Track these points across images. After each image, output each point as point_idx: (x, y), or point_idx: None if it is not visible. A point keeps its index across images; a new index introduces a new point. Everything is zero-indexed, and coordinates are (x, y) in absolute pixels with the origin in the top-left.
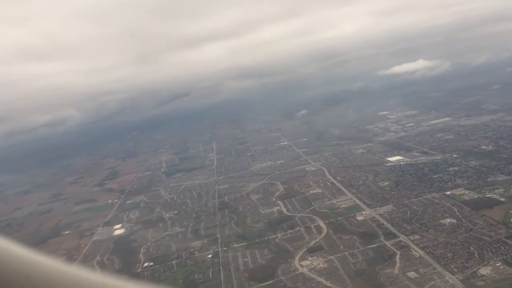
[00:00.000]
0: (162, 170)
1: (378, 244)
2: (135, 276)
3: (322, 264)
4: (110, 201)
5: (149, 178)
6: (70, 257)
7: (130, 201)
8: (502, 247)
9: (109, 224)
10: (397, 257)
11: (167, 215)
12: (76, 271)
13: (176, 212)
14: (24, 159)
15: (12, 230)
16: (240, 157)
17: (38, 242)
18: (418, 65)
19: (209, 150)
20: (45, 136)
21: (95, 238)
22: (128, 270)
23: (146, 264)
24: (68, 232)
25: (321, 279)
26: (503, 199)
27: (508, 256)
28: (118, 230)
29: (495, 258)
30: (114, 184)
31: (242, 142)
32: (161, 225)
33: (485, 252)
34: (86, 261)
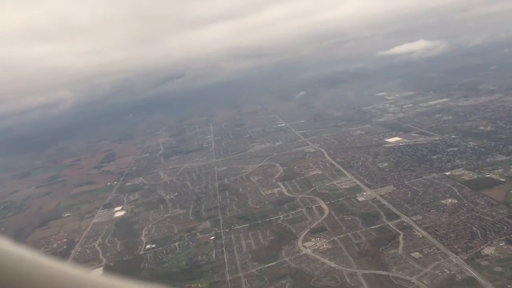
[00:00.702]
0: (160, 152)
1: (380, 225)
2: (138, 258)
3: (326, 245)
4: (109, 183)
5: (147, 160)
6: (71, 240)
7: (129, 183)
8: (504, 227)
9: (109, 206)
10: (400, 237)
11: (167, 197)
12: (76, 271)
13: (176, 194)
14: (18, 141)
15: (11, 212)
16: (237, 139)
17: (38, 224)
18: (419, 45)
19: (206, 132)
20: (39, 118)
21: (95, 220)
22: (130, 252)
23: (148, 246)
24: (68, 214)
25: (325, 260)
26: (502, 179)
27: (511, 236)
28: (119, 212)
29: (498, 238)
30: (112, 166)
31: (239, 124)
32: (161, 207)
33: (488, 232)
34: (88, 243)
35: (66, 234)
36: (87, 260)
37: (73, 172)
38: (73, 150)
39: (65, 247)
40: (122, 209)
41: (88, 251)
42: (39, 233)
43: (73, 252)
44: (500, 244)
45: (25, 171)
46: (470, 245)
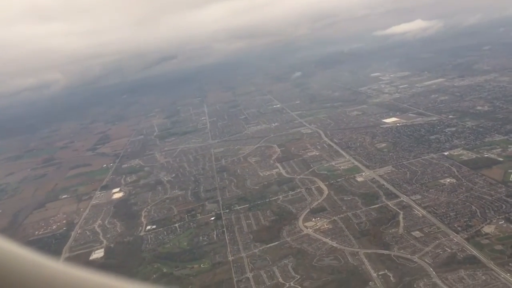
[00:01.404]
0: (155, 134)
1: (380, 205)
2: (139, 239)
3: (327, 225)
4: (105, 165)
5: (142, 142)
6: (70, 221)
7: (126, 165)
8: (503, 205)
9: (107, 188)
10: (400, 217)
11: (165, 178)
12: (76, 271)
13: (174, 175)
14: (10, 124)
15: (7, 195)
16: (233, 120)
17: (36, 206)
18: (416, 25)
19: (201, 114)
20: (30, 100)
21: (94, 202)
22: (131, 233)
23: (148, 227)
24: (65, 196)
25: (327, 240)
26: (501, 159)
27: (510, 214)
28: (117, 194)
29: (497, 217)
30: (106, 148)
31: (233, 105)
32: (160, 188)
33: (487, 211)
34: (87, 224)
35: (64, 215)
36: (87, 241)
37: (68, 154)
38: (66, 132)
39: (64, 228)
40: (120, 190)
41: (88, 233)
42: (37, 215)
43: (73, 233)
44: (500, 223)
45: (19, 153)
46: (469, 223)
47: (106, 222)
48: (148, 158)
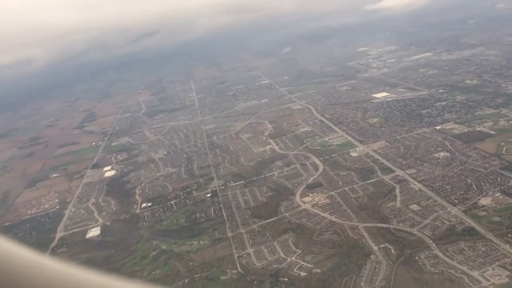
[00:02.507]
0: (142, 111)
1: (376, 179)
2: (135, 216)
3: (324, 200)
4: (93, 143)
5: (130, 119)
6: (63, 200)
7: (115, 143)
8: (498, 178)
9: (98, 166)
10: (397, 191)
11: (157, 156)
12: (76, 271)
13: (165, 153)
14: None
15: None
16: (221, 96)
17: (26, 185)
18: None
19: (188, 90)
20: (9, 78)
21: (86, 180)
22: (126, 211)
23: (144, 204)
24: (56, 175)
25: (325, 214)
26: (493, 132)
27: (506, 186)
28: (109, 172)
29: (493, 189)
30: (94, 126)
31: (221, 81)
32: (152, 166)
33: (482, 184)
34: (81, 203)
35: (56, 194)
36: (82, 220)
37: (54, 132)
38: (50, 110)
39: (57, 207)
40: (112, 169)
41: (82, 211)
42: (28, 194)
43: (66, 212)
44: (496, 195)
45: (3, 132)
46: (466, 196)
47: (100, 200)
48: (138, 136)
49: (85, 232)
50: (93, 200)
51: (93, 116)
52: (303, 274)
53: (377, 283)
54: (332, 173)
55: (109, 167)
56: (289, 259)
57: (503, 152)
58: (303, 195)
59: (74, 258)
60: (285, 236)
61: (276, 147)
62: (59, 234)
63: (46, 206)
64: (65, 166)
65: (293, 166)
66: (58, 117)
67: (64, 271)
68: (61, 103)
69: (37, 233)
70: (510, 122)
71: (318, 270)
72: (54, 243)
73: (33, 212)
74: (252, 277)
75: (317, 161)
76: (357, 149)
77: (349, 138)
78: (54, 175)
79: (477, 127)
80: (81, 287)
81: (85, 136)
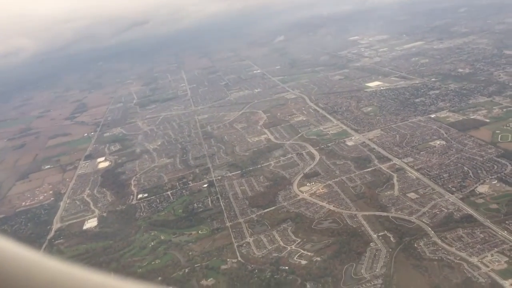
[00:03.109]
0: (134, 101)
1: (373, 168)
2: (132, 207)
3: (322, 189)
4: (85, 134)
5: (122, 110)
6: (57, 191)
7: (108, 133)
8: (494, 166)
9: (91, 157)
10: (395, 179)
11: (151, 146)
12: (76, 271)
13: (159, 143)
14: None
15: None
16: (214, 86)
17: (18, 177)
18: None
19: (179, 80)
20: None
21: (79, 172)
22: (122, 202)
23: (140, 195)
24: (48, 166)
25: (324, 203)
26: (487, 120)
27: (502, 174)
28: (103, 163)
29: (490, 177)
30: (85, 117)
31: (212, 71)
32: (146, 156)
33: (479, 171)
34: (76, 194)
35: (50, 186)
36: (78, 211)
37: (45, 123)
38: (40, 101)
39: (52, 199)
40: (106, 160)
41: (78, 203)
42: (21, 186)
43: (62, 203)
44: (493, 182)
45: None
46: (463, 184)
47: (95, 191)
48: (131, 126)
49: (82, 223)
50: (88, 191)
51: (84, 107)
52: (303, 262)
53: (377, 270)
54: (328, 162)
55: (102, 158)
56: (288, 248)
57: (499, 139)
58: (300, 184)
59: (73, 249)
60: (284, 225)
61: (271, 137)
62: (56, 225)
63: (41, 198)
64: (58, 157)
65: (289, 155)
66: (48, 108)
67: (64, 271)
68: (51, 94)
69: (33, 225)
70: (504, 110)
71: (318, 258)
72: (51, 235)
73: (27, 204)
74: (252, 266)
75: (313, 151)
76: (353, 138)
77: (344, 127)
78: (47, 167)
79: (471, 115)
80: (81, 287)
81: (76, 127)
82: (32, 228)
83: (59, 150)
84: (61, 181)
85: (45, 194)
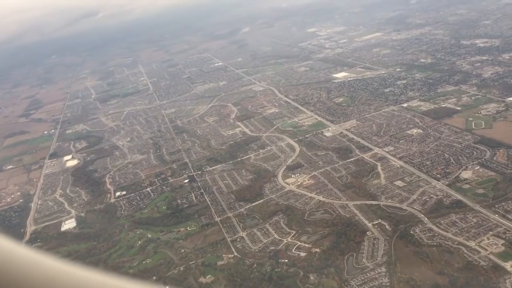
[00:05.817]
0: (93, 96)
1: (356, 158)
2: (111, 206)
3: (308, 180)
4: (46, 132)
5: (81, 105)
6: (25, 192)
7: (70, 130)
8: (474, 152)
9: (57, 155)
10: (379, 168)
11: (120, 143)
12: (76, 271)
13: (128, 139)
14: None
15: None
16: (176, 80)
17: None
18: None
19: (138, 74)
20: None
21: (46, 171)
22: (99, 201)
23: (118, 193)
24: (11, 166)
25: (312, 194)
26: (458, 108)
27: (483, 159)
28: (70, 162)
29: (471, 163)
30: (41, 114)
31: (171, 64)
32: (117, 153)
33: (460, 158)
34: (46, 194)
35: (17, 187)
36: (52, 212)
37: None
38: None
39: (21, 200)
40: (73, 158)
41: (50, 203)
42: None
43: (33, 205)
44: (476, 168)
45: None
46: (447, 171)
47: (68, 191)
48: (94, 123)
49: (59, 224)
50: (60, 191)
51: (38, 103)
52: (303, 254)
53: (379, 258)
54: (310, 154)
55: (69, 156)
56: (285, 240)
57: (473, 126)
58: (285, 176)
59: (53, 252)
60: (275, 218)
61: (246, 130)
62: (30, 228)
63: (8, 200)
64: (19, 156)
65: (269, 148)
66: None
67: (64, 271)
68: None
69: (4, 229)
70: (473, 98)
71: (317, 250)
72: (26, 238)
73: None
74: (250, 260)
75: (292, 142)
76: (330, 128)
77: (319, 118)
78: (8, 167)
79: (442, 103)
80: (81, 287)
81: (34, 125)
82: (3, 232)
83: (19, 149)
84: (27, 181)
85: (13, 196)
